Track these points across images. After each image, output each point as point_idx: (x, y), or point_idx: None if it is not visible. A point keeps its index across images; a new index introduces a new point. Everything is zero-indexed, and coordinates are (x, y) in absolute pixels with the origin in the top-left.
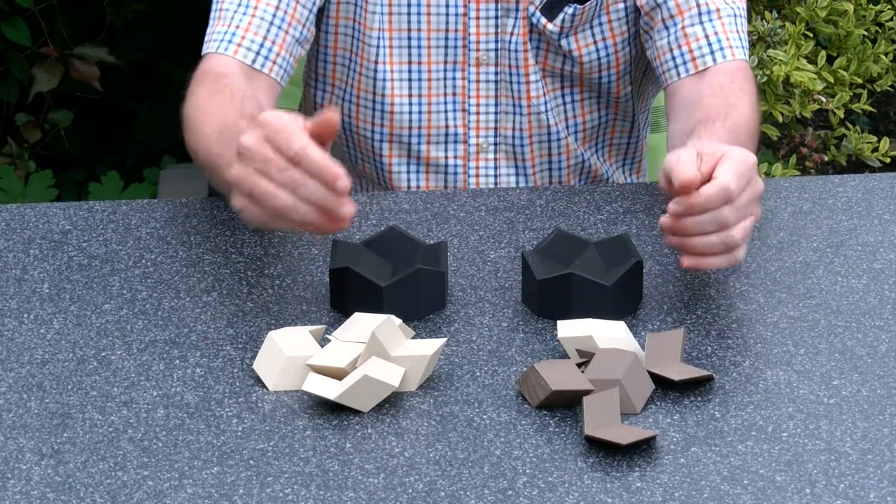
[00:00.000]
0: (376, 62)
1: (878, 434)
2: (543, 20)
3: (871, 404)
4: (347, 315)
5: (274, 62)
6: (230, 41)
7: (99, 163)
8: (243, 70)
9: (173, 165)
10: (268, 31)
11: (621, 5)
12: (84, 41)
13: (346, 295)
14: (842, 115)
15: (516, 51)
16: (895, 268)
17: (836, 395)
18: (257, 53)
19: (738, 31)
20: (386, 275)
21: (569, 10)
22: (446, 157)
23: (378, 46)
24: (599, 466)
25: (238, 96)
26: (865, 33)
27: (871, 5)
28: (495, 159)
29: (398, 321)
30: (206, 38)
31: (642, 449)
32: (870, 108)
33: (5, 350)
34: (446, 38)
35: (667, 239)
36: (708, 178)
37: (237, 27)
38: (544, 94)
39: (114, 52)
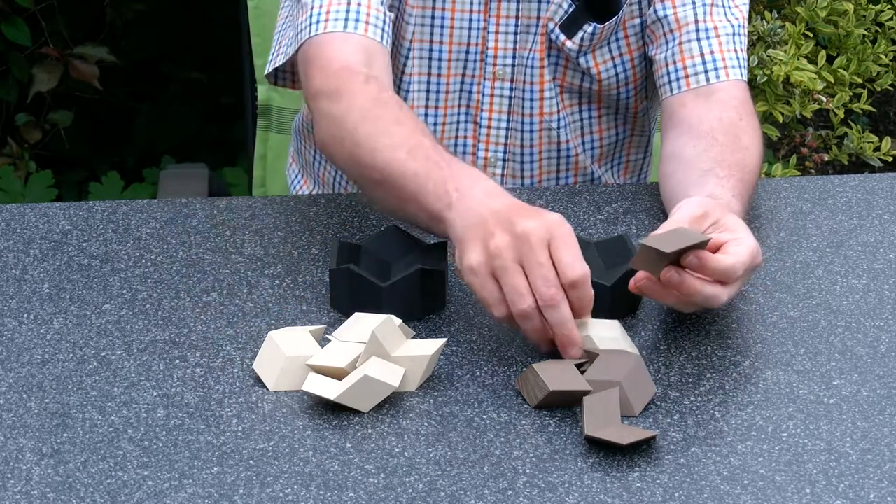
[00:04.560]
0: (402, 72)
1: (878, 434)
2: (563, 37)
3: (871, 404)
4: (347, 315)
5: (367, 22)
6: (358, 19)
7: (99, 163)
8: (356, 47)
9: (173, 165)
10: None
11: (637, 21)
12: (84, 41)
13: (346, 295)
14: (842, 115)
15: (532, 66)
16: (895, 268)
17: (836, 395)
18: (346, 19)
19: (735, 51)
20: (386, 275)
21: (588, 28)
22: None
23: (406, 57)
24: (599, 466)
25: (406, 107)
26: (865, 33)
27: (871, 5)
28: (502, 175)
29: (398, 321)
30: (295, 31)
31: (642, 449)
32: (870, 108)
33: (5, 350)
34: (466, 52)
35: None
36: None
37: (321, 7)
38: (559, 111)
39: (114, 51)
